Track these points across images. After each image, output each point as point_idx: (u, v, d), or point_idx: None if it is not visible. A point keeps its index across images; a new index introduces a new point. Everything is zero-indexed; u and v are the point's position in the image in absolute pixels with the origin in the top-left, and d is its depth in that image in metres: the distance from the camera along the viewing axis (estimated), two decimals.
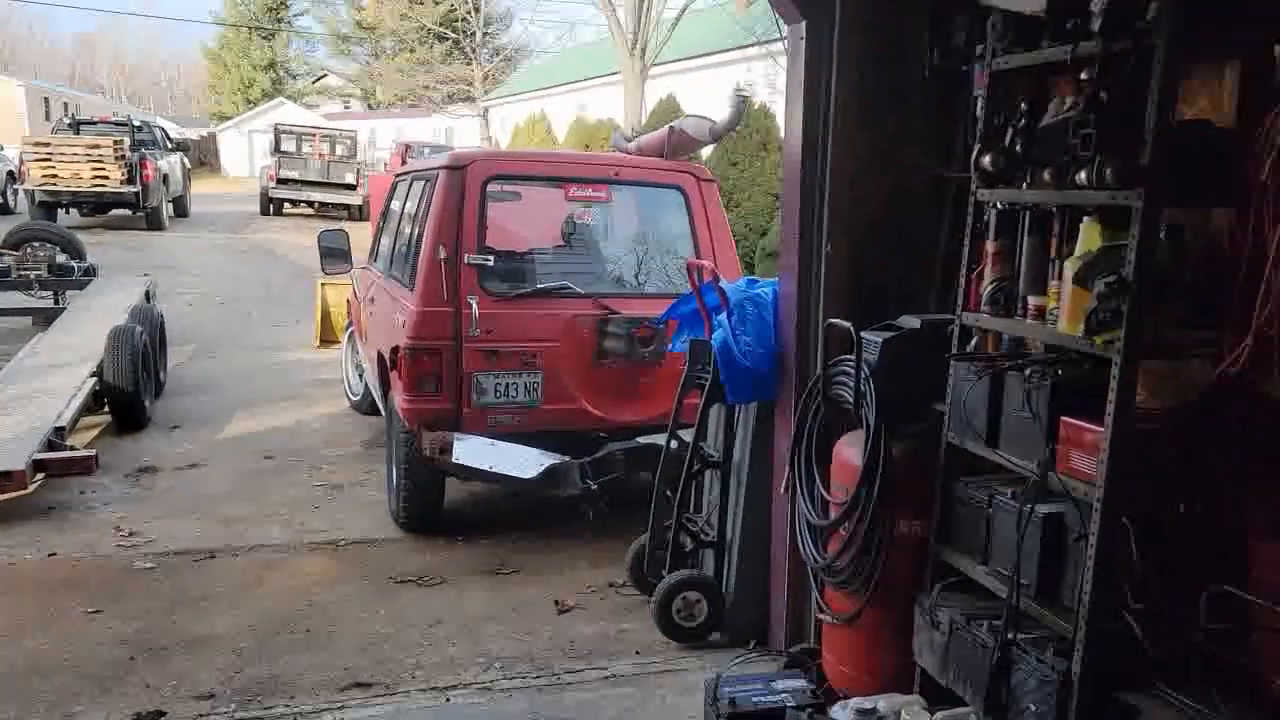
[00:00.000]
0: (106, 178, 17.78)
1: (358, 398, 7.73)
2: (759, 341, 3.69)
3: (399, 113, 53.63)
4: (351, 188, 23.47)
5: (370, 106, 60.65)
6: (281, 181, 23.37)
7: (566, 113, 20.73)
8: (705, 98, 10.60)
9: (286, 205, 24.32)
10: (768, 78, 12.22)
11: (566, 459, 4.78)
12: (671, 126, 5.21)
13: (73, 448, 5.75)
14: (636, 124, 12.58)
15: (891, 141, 3.47)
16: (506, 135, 28.86)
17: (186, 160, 22.84)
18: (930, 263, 3.56)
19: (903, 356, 3.09)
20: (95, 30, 77.97)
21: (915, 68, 3.45)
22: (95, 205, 18.64)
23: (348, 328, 7.91)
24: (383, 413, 6.07)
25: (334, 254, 6.78)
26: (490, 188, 4.86)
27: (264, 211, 23.86)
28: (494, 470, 4.64)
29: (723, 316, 3.79)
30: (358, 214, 23.52)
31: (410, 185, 5.81)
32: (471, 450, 4.66)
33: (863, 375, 3.05)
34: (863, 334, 3.10)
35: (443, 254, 4.75)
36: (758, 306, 3.74)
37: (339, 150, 24.33)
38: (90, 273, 10.03)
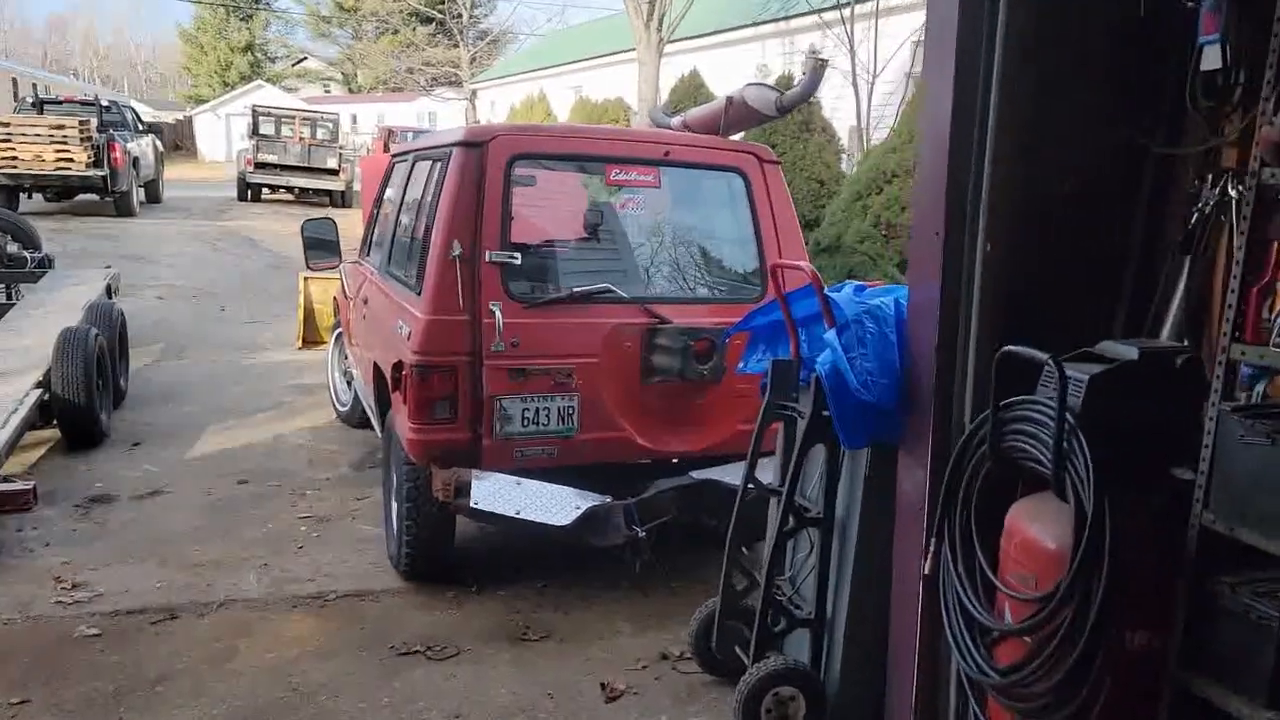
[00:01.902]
0: (71, 160, 16.70)
1: (345, 408, 6.84)
2: (882, 369, 2.83)
3: (381, 97, 52.40)
4: (334, 173, 22.50)
5: (351, 90, 59.38)
6: (259, 166, 22.34)
7: (561, 95, 19.78)
8: (723, 79, 9.72)
9: (265, 191, 23.31)
10: (785, 57, 11.36)
11: (607, 500, 3.93)
12: (729, 97, 4.34)
13: (8, 477, 4.83)
14: (652, 103, 11.70)
15: (1073, 110, 2.62)
16: (498, 119, 27.84)
17: (159, 143, 21.75)
18: (1114, 268, 2.72)
19: (1118, 399, 2.24)
20: (67, 11, 76.10)
21: (1105, 9, 2.60)
22: (60, 190, 17.56)
23: (335, 328, 7.01)
24: (378, 432, 5.18)
25: (320, 246, 5.86)
26: (515, 169, 3.97)
27: (241, 197, 22.82)
28: (521, 517, 3.77)
29: (830, 334, 2.92)
30: (340, 200, 22.59)
31: (412, 167, 4.91)
32: (494, 493, 3.79)
33: (1065, 424, 2.20)
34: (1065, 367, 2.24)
35: (457, 250, 3.87)
36: (878, 323, 2.88)
37: (320, 134, 23.28)
38: (45, 264, 9.04)
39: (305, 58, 58.11)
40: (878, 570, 2.99)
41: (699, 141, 4.28)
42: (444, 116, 42.48)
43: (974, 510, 2.47)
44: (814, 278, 3.04)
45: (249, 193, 22.87)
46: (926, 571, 2.61)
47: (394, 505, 4.65)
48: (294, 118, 23.57)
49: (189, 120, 45.04)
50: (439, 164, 4.21)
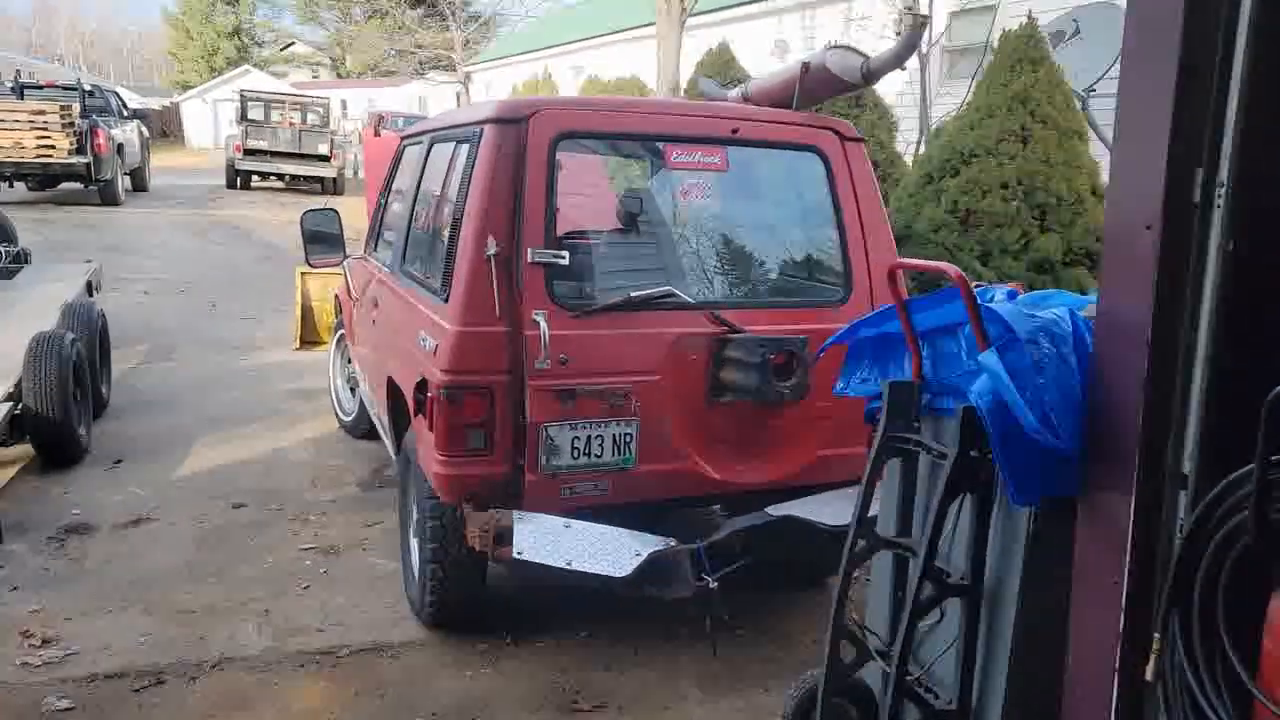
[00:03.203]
0: (53, 147, 15.97)
1: (350, 417, 6.20)
2: (1065, 402, 2.20)
3: (370, 82, 51.45)
4: (325, 159, 21.77)
5: (340, 76, 58.44)
6: (249, 153, 21.61)
7: (563, 76, 19.01)
8: (746, 54, 9.04)
9: (255, 178, 22.55)
10: (805, 31, 10.72)
11: (672, 544, 3.30)
12: (805, 63, 3.70)
13: None
14: (673, 81, 11.00)
15: None
16: None
17: (145, 129, 20.96)
18: None
19: None
20: None
21: None
22: (42, 179, 16.81)
23: (336, 329, 6.36)
24: (390, 452, 4.55)
25: (321, 240, 5.20)
26: (561, 151, 3.32)
27: (230, 185, 22.08)
28: (574, 568, 3.14)
29: (989, 356, 2.28)
30: (332, 187, 21.86)
31: (429, 150, 4.26)
32: (540, 539, 3.16)
33: None
34: None
35: (493, 249, 3.23)
36: (1054, 342, 2.25)
37: (310, 119, 22.54)
38: (20, 259, 8.36)
39: (293, 43, 57.15)
40: (1045, 656, 2.37)
41: (772, 116, 3.63)
42: (435, 100, 41.61)
43: (1222, 597, 1.85)
44: (961, 281, 2.40)
45: (238, 180, 22.13)
46: (1149, 676, 1.98)
47: (414, 543, 4.03)
48: (283, 102, 22.82)
49: (176, 107, 44.09)
50: (466, 145, 3.57)
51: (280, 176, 22.10)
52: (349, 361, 6.10)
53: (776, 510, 3.46)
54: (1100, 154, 5.03)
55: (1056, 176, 4.75)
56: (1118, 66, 2.22)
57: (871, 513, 3.63)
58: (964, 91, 6.68)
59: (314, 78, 56.46)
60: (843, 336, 2.98)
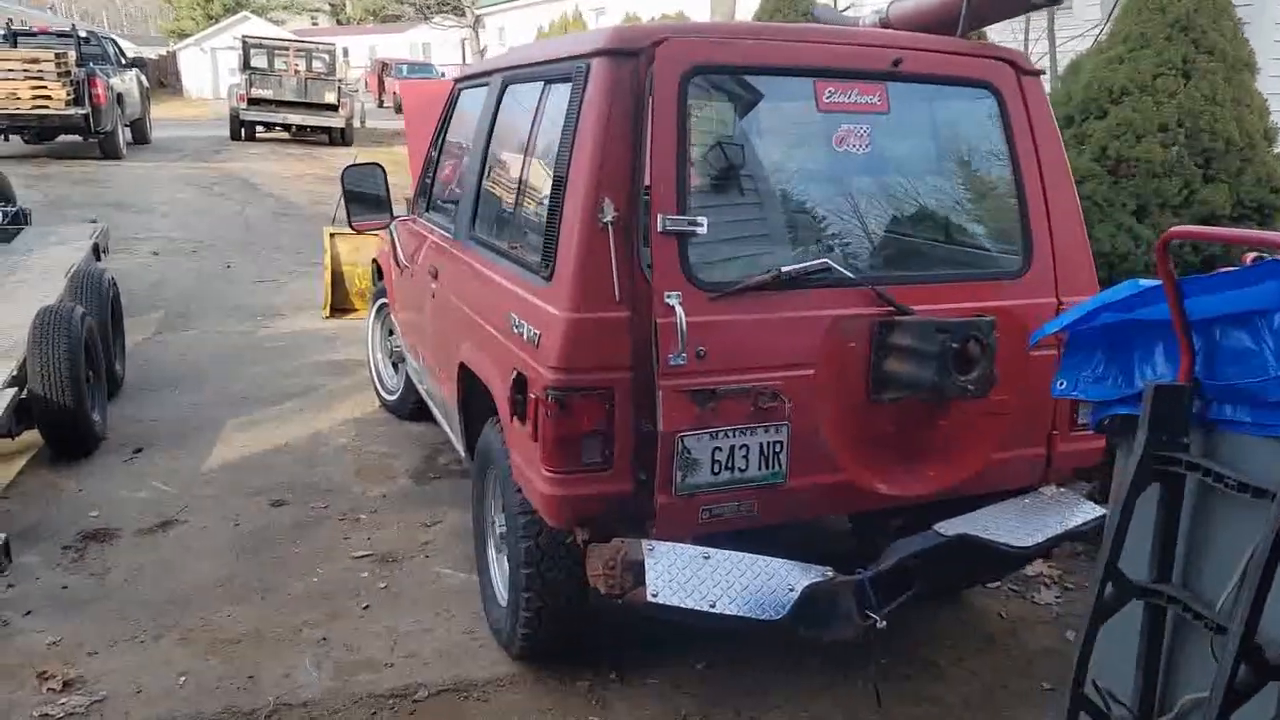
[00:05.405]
0: (49, 98, 15.16)
1: (393, 396, 5.58)
2: None
3: (372, 28, 50.14)
4: (333, 108, 20.89)
5: (339, 22, 57.06)
6: (253, 102, 20.71)
7: (587, 18, 17.98)
8: None
9: (260, 129, 21.69)
10: None
11: (830, 574, 2.69)
12: None
13: None
14: (729, 15, 10.17)
15: None
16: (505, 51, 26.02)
17: (144, 78, 20.05)
18: None
19: None
20: None
21: None
22: (38, 131, 16.01)
23: (376, 297, 5.71)
24: (464, 458, 3.93)
25: (364, 200, 4.52)
26: (693, 90, 2.65)
27: (234, 136, 21.23)
28: (718, 611, 2.53)
29: None
30: (340, 138, 21.05)
31: (500, 94, 3.58)
32: (678, 576, 2.55)
33: None
34: None
35: (610, 215, 2.58)
36: None
37: (316, 66, 21.60)
38: (20, 219, 7.69)
39: None
40: None
41: (938, 45, 2.95)
42: (439, 49, 40.42)
43: None
44: None
45: (243, 131, 21.26)
46: None
47: (495, 559, 3.44)
48: (288, 49, 21.87)
49: (173, 55, 42.87)
50: (564, 86, 2.89)
51: (286, 127, 21.23)
52: (391, 334, 5.46)
53: (947, 529, 2.85)
54: (1272, 90, 4.34)
55: (1225, 117, 4.07)
56: None
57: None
58: (1095, 18, 5.96)
59: (313, 24, 55.15)
60: (1074, 321, 2.34)
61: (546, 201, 2.84)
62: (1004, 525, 2.92)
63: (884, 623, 2.68)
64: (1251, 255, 2.32)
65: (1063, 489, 3.13)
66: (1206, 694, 2.11)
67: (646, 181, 2.63)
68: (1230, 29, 4.17)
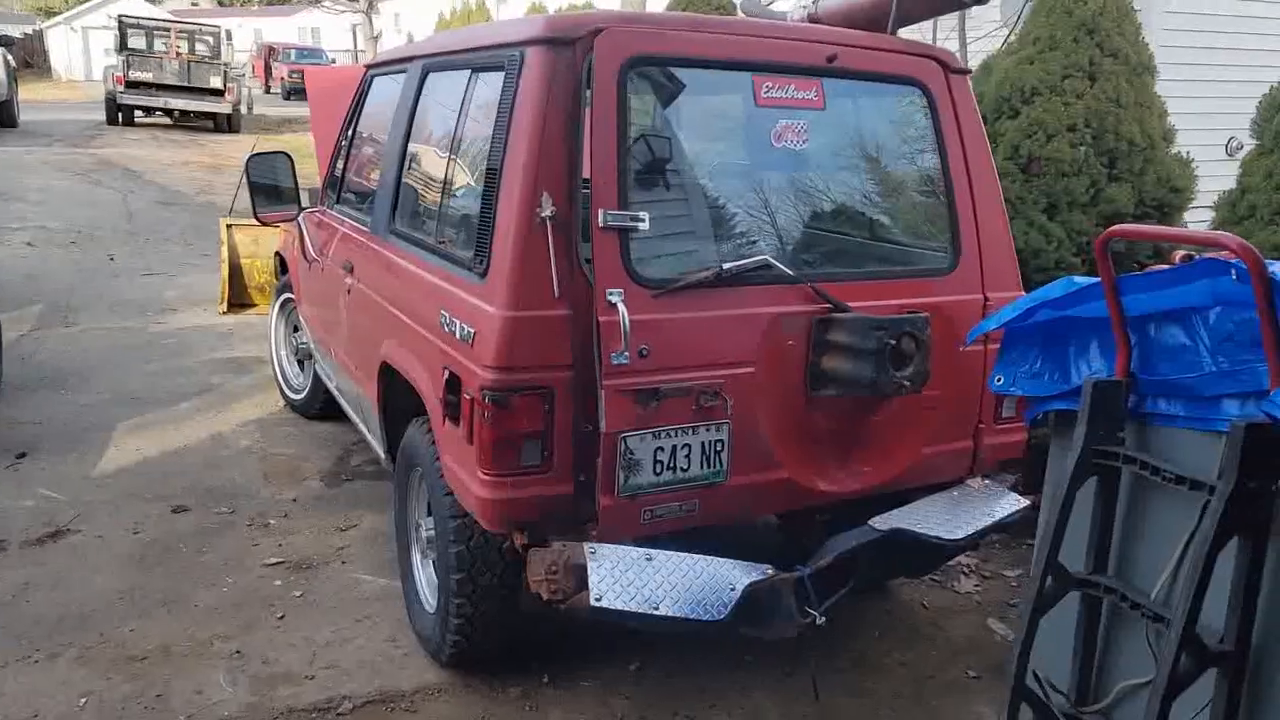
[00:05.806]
0: None
1: (299, 395, 5.37)
2: None
3: (256, 11, 48.46)
4: (218, 93, 20.07)
5: (221, 3, 54.95)
6: (132, 85, 19.72)
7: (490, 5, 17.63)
8: None
9: (139, 113, 20.69)
10: None
11: (770, 572, 2.68)
12: None
13: None
14: (638, 2, 10.06)
15: None
16: (401, 39, 25.39)
17: (10, 57, 18.89)
18: None
19: None
20: None
21: None
22: None
23: (279, 292, 5.47)
24: (383, 460, 3.78)
25: (270, 191, 4.32)
26: (632, 82, 2.59)
27: (111, 121, 20.20)
28: (661, 613, 2.49)
29: None
30: (226, 124, 20.25)
31: (420, 82, 3.45)
32: (621, 580, 2.50)
33: None
34: None
35: (549, 210, 2.51)
36: None
37: (200, 49, 20.75)
38: None
39: None
40: None
41: (869, 41, 2.96)
42: (329, 34, 39.24)
43: None
44: (1246, 254, 1.79)
45: (120, 115, 20.23)
46: None
47: (420, 564, 3.33)
48: (169, 30, 20.90)
49: (40, 34, 40.56)
50: (495, 75, 2.79)
51: (168, 112, 20.30)
52: (296, 330, 5.25)
53: (881, 523, 2.87)
54: (1168, 93, 4.52)
55: (1128, 118, 4.22)
56: None
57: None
58: (995, 19, 6.10)
59: (193, 4, 52.94)
60: (1012, 319, 2.37)
61: (478, 195, 2.74)
62: (935, 518, 2.96)
63: (824, 619, 2.68)
64: (1180, 254, 2.39)
65: (988, 480, 3.20)
66: (1141, 680, 2.18)
67: (584, 175, 2.57)
68: (1132, 32, 4.32)
